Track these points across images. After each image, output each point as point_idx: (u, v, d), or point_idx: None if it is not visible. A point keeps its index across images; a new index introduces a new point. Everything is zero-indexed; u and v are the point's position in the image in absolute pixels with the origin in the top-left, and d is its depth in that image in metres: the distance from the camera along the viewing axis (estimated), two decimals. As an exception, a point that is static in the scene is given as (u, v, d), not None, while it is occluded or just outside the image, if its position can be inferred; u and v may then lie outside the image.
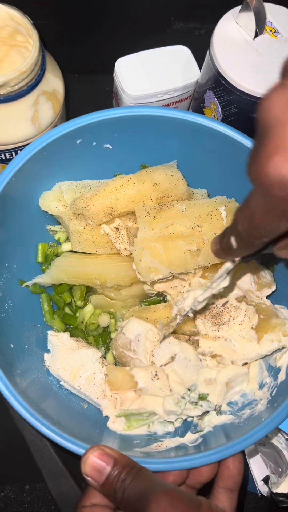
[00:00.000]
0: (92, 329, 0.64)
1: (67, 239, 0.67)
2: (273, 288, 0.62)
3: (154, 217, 0.60)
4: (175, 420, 0.56)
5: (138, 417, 0.56)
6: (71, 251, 0.64)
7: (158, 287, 0.63)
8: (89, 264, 0.62)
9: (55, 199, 0.63)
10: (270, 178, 0.28)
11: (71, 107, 0.80)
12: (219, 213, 0.62)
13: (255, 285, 0.61)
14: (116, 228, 0.63)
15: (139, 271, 0.59)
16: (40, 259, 0.65)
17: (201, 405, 0.56)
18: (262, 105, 0.28)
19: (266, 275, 0.62)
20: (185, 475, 0.50)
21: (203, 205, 0.62)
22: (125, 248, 0.62)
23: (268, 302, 0.62)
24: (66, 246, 0.65)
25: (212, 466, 0.50)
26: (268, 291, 0.61)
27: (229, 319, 0.59)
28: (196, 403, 0.56)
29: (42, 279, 0.62)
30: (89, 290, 0.65)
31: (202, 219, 0.60)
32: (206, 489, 0.51)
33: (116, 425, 0.56)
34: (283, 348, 0.59)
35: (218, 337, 0.58)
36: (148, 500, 0.41)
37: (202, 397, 0.57)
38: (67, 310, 0.66)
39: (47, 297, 0.65)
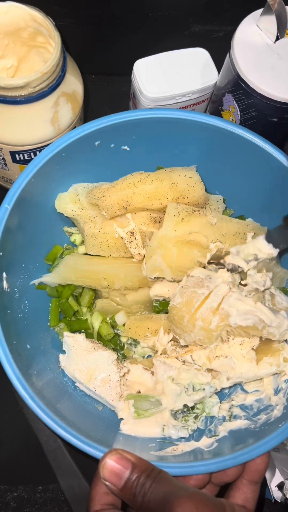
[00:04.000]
0: (108, 339, 0.63)
1: (83, 242, 0.66)
2: None
3: (183, 219, 0.60)
4: (186, 413, 0.57)
5: (145, 404, 0.56)
6: (86, 253, 0.63)
7: (164, 293, 0.63)
8: (98, 263, 0.62)
9: (71, 201, 0.63)
10: None
11: (88, 108, 0.80)
12: (245, 237, 0.61)
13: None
14: (131, 232, 0.62)
15: (145, 265, 0.59)
16: (48, 257, 0.64)
17: (204, 389, 0.57)
18: None
19: (283, 301, 0.61)
20: (207, 479, 0.50)
21: (234, 225, 0.61)
22: (139, 253, 0.62)
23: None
24: (81, 249, 0.65)
25: (238, 467, 0.50)
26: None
27: (229, 338, 0.58)
28: (198, 389, 0.57)
29: (50, 278, 0.62)
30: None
31: (227, 237, 0.60)
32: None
33: (127, 426, 0.56)
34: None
35: (217, 356, 0.58)
36: (172, 504, 0.40)
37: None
38: (74, 319, 0.65)
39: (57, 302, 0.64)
